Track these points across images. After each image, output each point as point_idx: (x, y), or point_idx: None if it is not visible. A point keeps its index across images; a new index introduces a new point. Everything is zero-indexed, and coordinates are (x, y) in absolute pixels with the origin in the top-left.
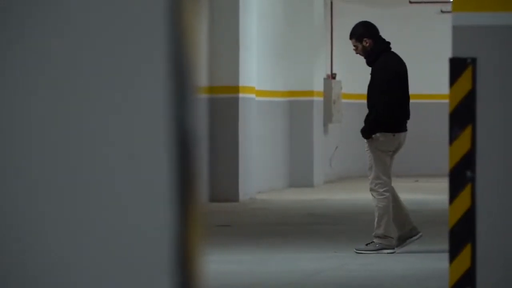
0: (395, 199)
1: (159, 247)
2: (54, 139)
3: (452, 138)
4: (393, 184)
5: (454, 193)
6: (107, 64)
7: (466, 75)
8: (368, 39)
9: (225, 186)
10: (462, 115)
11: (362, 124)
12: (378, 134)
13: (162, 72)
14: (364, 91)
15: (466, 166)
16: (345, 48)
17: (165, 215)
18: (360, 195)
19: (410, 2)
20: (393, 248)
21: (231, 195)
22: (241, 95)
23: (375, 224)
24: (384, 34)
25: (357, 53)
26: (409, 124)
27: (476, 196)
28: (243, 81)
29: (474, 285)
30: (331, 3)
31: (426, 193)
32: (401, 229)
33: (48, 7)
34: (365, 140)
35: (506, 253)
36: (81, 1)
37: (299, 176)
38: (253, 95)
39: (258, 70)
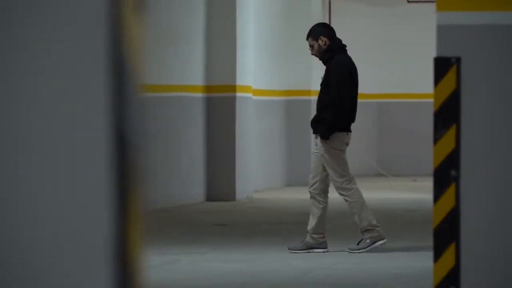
0: (325, 208)
1: (97, 245)
2: None
3: (437, 137)
4: (391, 184)
5: (438, 192)
6: (46, 64)
7: (451, 74)
8: (324, 37)
9: (222, 185)
10: (447, 115)
11: (360, 123)
12: (333, 134)
13: (102, 73)
14: (362, 90)
15: (450, 165)
16: None
17: (103, 213)
18: None
19: (408, 1)
20: (384, 238)
21: (228, 194)
22: (238, 94)
23: (356, 221)
24: (382, 33)
25: (312, 53)
26: (408, 123)
27: (461, 196)
28: (240, 80)
29: (459, 284)
30: (329, 2)
31: (424, 192)
32: (320, 233)
33: None
34: (318, 142)
35: (490, 252)
36: (20, 1)
37: (297, 175)
38: (250, 94)
39: (255, 69)
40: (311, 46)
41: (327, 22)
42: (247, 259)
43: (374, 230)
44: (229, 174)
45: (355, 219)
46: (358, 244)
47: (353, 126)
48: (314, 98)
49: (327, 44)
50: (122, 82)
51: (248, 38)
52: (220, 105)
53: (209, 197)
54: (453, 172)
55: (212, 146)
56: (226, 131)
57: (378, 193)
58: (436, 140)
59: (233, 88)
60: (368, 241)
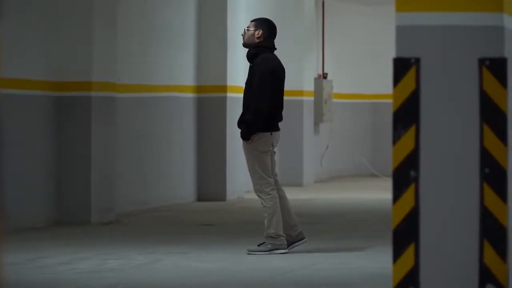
0: (283, 201)
1: None
2: None
3: (396, 137)
4: (384, 184)
5: (397, 192)
6: None
7: (410, 75)
8: (262, 32)
9: (213, 185)
10: (406, 115)
11: (354, 123)
12: (255, 135)
13: None
14: (356, 90)
15: (409, 165)
16: (337, 47)
17: None
18: (349, 195)
19: None
20: (286, 248)
21: (219, 194)
22: (229, 94)
23: (265, 225)
24: (376, 32)
25: (242, 34)
26: None
27: (420, 196)
28: (231, 81)
29: (418, 284)
30: (323, 1)
31: None
32: (288, 232)
33: None
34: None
35: (449, 253)
36: None
37: (289, 176)
38: (241, 95)
39: (246, 69)
40: (248, 30)
41: (321, 22)
42: (229, 258)
43: (278, 238)
44: (219, 174)
45: (264, 222)
46: (259, 245)
47: (348, 127)
48: (307, 98)
49: (260, 38)
50: None
51: (239, 37)
52: (211, 106)
53: (200, 197)
54: (412, 172)
55: (203, 146)
56: (217, 131)
57: (370, 194)
58: (395, 140)
59: (223, 88)
60: (269, 246)
